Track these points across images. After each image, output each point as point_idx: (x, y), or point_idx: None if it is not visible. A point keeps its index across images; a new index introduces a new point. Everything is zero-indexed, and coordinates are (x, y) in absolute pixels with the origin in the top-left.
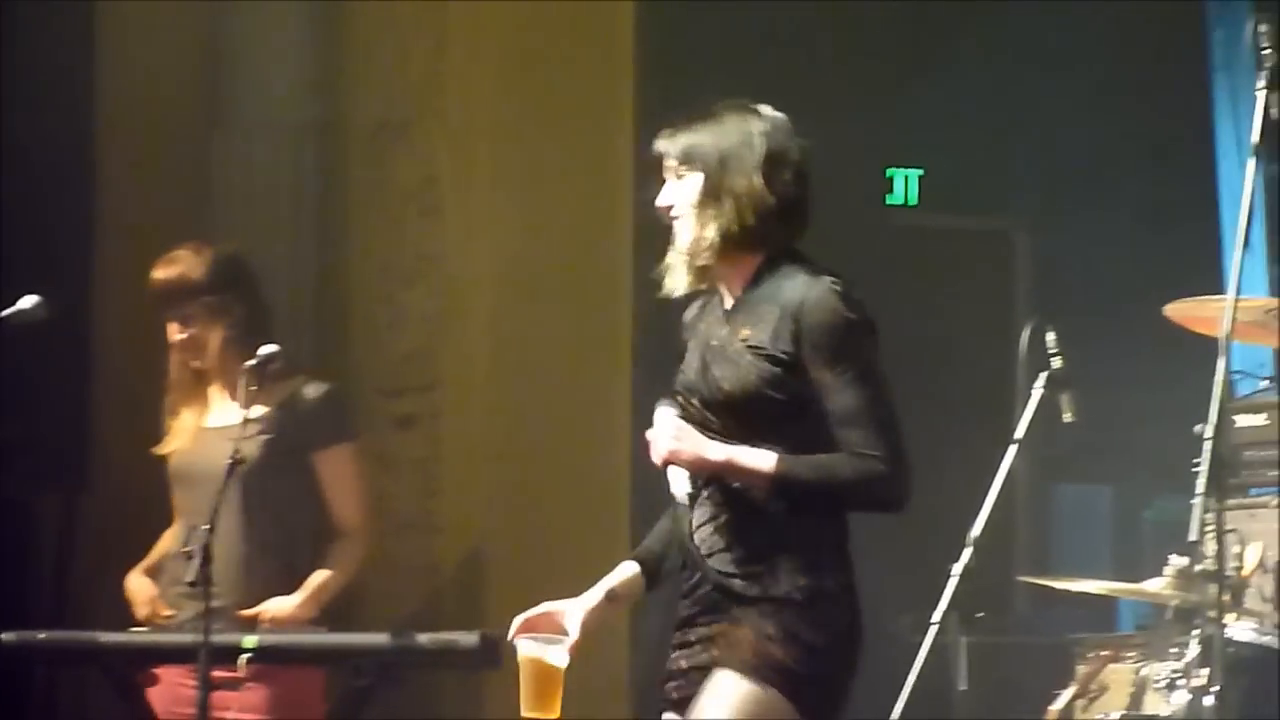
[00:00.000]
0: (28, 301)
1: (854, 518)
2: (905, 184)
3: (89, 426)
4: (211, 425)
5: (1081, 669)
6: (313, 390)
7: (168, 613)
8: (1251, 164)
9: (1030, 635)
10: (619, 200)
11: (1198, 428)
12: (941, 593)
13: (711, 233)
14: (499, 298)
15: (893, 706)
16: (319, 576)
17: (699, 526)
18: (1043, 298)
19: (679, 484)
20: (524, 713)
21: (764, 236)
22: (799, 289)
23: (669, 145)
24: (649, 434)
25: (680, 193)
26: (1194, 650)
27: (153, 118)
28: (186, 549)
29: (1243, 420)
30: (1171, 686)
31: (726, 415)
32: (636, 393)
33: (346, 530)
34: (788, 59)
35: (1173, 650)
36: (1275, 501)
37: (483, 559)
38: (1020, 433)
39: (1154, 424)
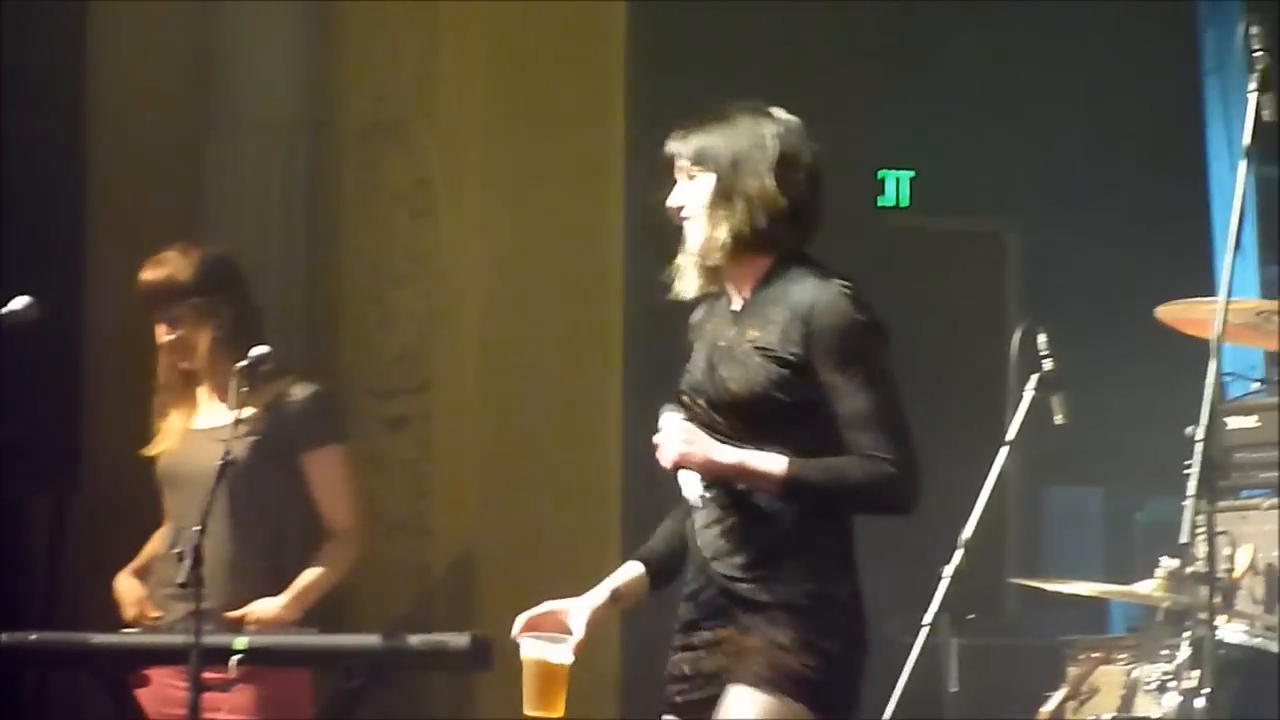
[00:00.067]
0: (19, 302)
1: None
2: (896, 186)
3: (80, 427)
4: (200, 427)
5: (1073, 671)
6: (301, 391)
7: (155, 614)
8: (1243, 166)
9: (1021, 637)
10: (610, 201)
11: (1189, 430)
12: (933, 594)
13: (723, 234)
14: (490, 299)
15: (884, 708)
16: (305, 577)
17: (703, 529)
18: (1034, 299)
19: (691, 486)
20: (526, 711)
21: (775, 238)
22: (809, 292)
23: (681, 146)
24: (656, 438)
25: (692, 194)
26: (1185, 652)
27: (144, 118)
28: (176, 550)
29: (1234, 422)
30: (1162, 688)
31: (733, 416)
32: (627, 394)
33: (336, 532)
34: (779, 60)
35: (1164, 652)
36: (1266, 504)
37: (474, 560)
38: (1012, 434)
39: (1145, 426)
